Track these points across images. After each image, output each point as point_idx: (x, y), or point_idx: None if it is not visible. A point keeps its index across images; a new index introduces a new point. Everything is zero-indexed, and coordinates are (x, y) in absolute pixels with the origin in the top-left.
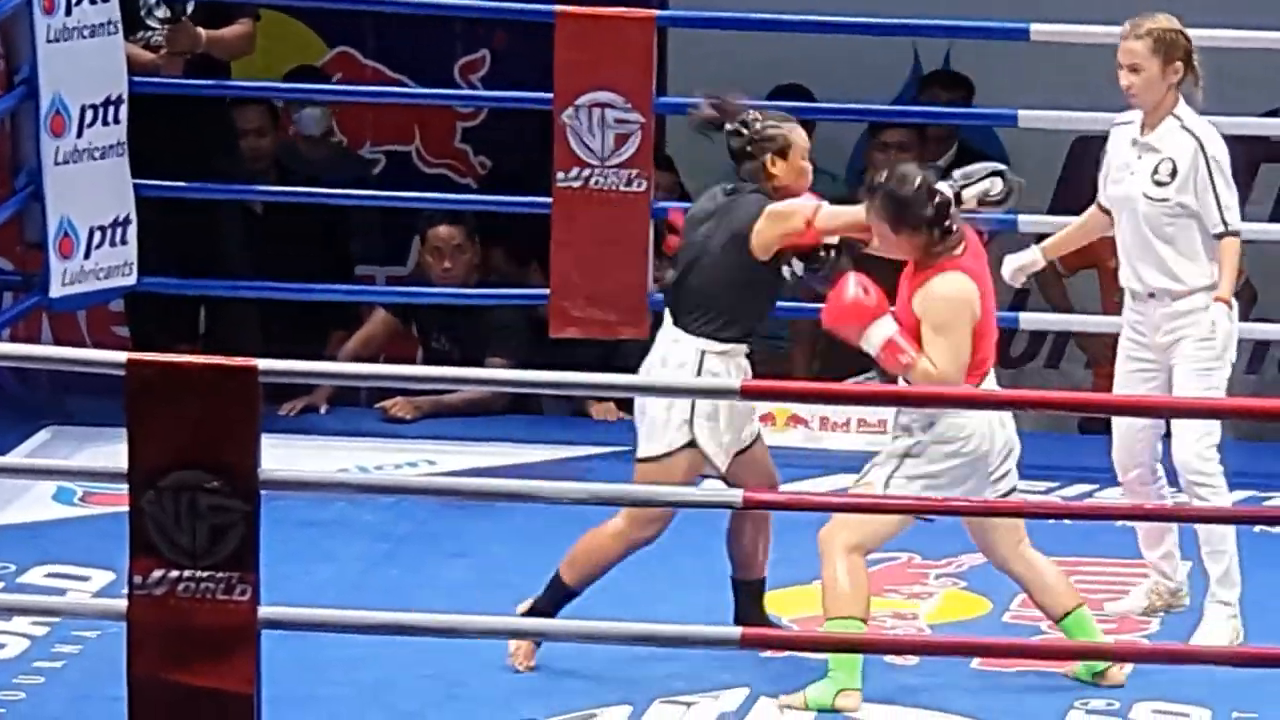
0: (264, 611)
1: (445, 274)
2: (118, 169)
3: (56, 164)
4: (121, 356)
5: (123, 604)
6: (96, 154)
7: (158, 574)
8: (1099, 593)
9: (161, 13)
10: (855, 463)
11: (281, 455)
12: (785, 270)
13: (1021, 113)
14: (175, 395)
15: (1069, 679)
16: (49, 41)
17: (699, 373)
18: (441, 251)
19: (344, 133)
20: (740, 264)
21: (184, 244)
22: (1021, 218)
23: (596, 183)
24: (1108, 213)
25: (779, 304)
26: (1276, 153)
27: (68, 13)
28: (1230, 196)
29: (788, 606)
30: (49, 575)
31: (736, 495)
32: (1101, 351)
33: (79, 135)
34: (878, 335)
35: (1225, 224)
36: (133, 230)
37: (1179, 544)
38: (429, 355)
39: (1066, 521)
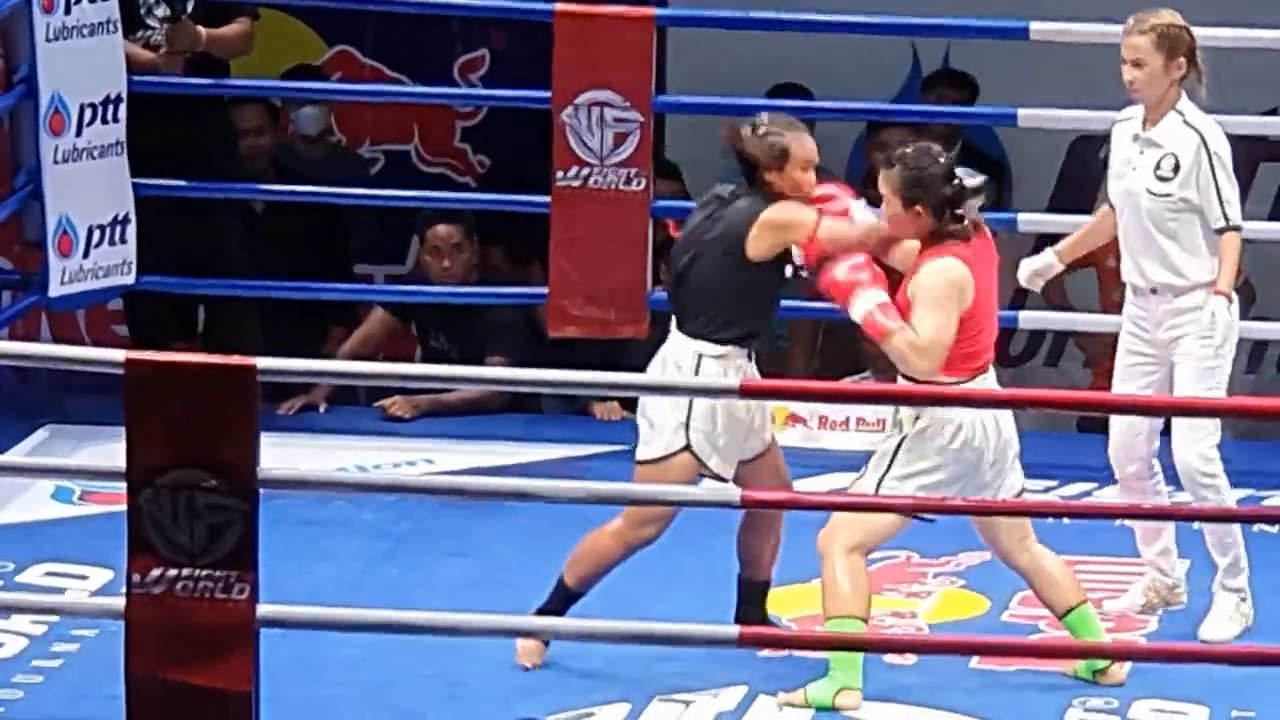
0: (262, 610)
1: (444, 273)
2: (117, 168)
3: (56, 163)
4: (120, 355)
5: (121, 603)
6: (95, 153)
7: (156, 573)
8: (1098, 591)
9: (161, 11)
10: (854, 462)
11: (280, 454)
12: (788, 268)
13: (1021, 112)
14: (174, 394)
15: (1069, 678)
16: (48, 40)
17: (696, 375)
18: (440, 250)
19: (343, 132)
20: (735, 266)
21: (183, 243)
22: (1021, 217)
23: (595, 182)
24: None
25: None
26: (1276, 152)
27: (67, 11)
28: (1232, 192)
29: (786, 605)
30: (47, 574)
31: (734, 494)
32: (1100, 350)
33: (78, 134)
34: (860, 305)
35: (1226, 219)
36: (131, 229)
37: (1176, 540)
38: (428, 354)
39: (1065, 520)
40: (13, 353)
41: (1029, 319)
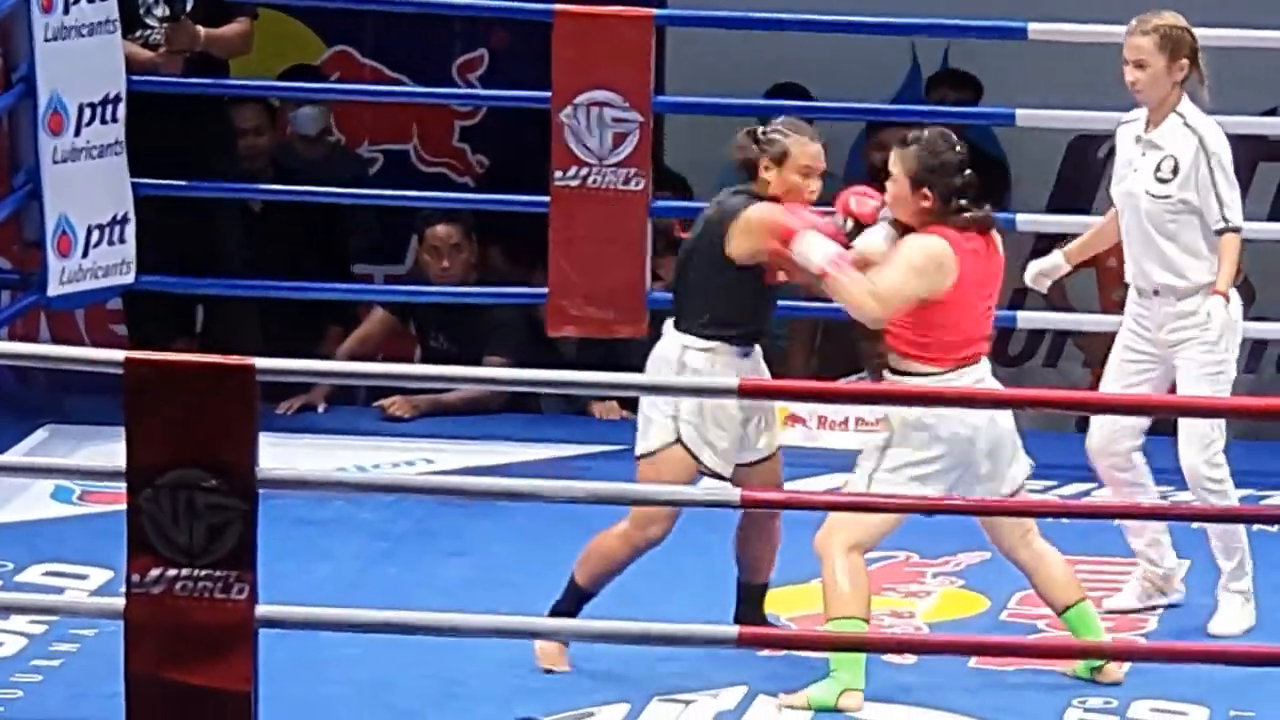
0: (261, 610)
1: (443, 273)
2: (116, 167)
3: (54, 162)
4: (119, 355)
5: (120, 602)
6: (94, 152)
7: (155, 572)
8: (1098, 590)
9: (160, 11)
10: (853, 461)
11: (279, 454)
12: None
13: (1020, 111)
14: (173, 394)
15: (1068, 677)
16: (47, 40)
17: (680, 368)
18: (439, 250)
19: (342, 131)
20: (721, 266)
21: (182, 243)
22: (1020, 217)
23: (594, 181)
24: None
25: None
26: (1275, 151)
27: (66, 11)
28: (1231, 193)
29: (785, 605)
30: (47, 574)
31: (734, 494)
32: (1100, 350)
33: (77, 134)
34: (804, 248)
35: (1226, 221)
36: (131, 229)
37: (1167, 529)
38: (427, 354)
39: (1064, 520)
40: (12, 353)
41: (1028, 319)
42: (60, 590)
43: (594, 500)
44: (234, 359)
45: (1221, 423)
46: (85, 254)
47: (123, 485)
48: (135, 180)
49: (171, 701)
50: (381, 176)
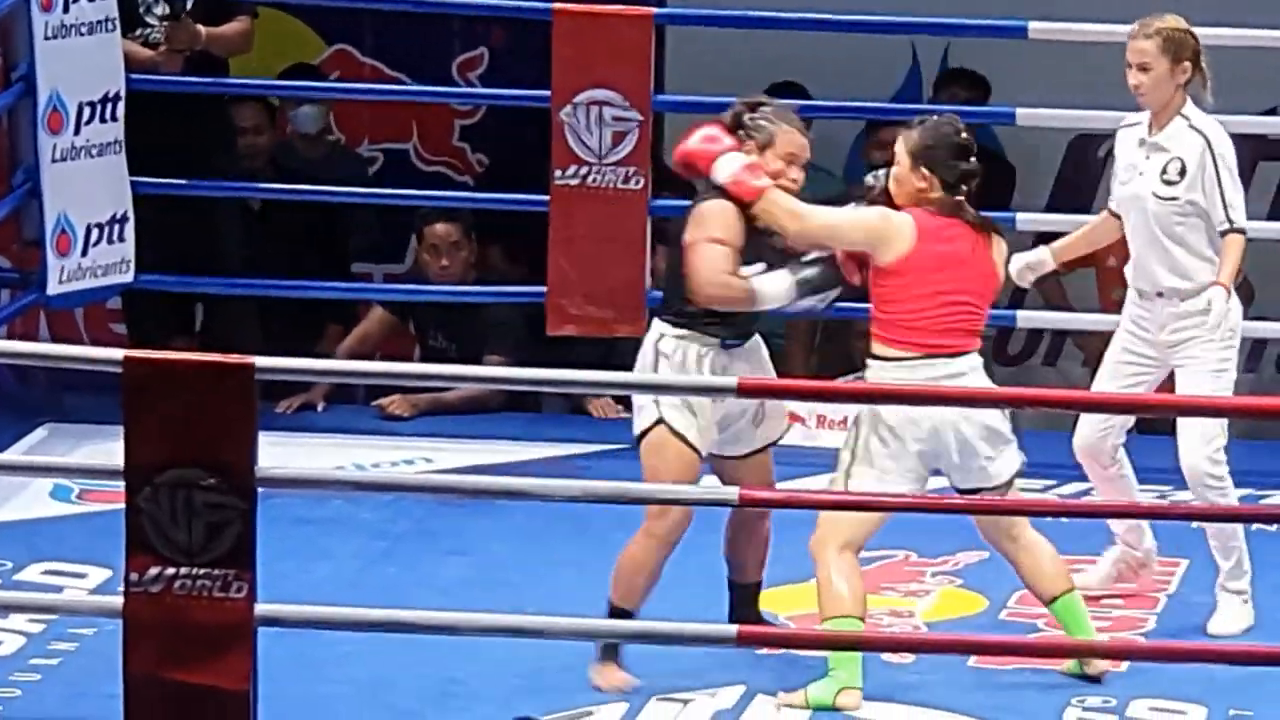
0: (260, 609)
1: (443, 271)
2: (115, 166)
3: (54, 161)
4: (119, 354)
5: (119, 601)
6: (94, 151)
7: (154, 571)
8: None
9: (160, 10)
10: None
11: (278, 453)
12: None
13: (1020, 110)
14: (172, 392)
15: (1064, 675)
16: (47, 38)
17: (654, 355)
18: (439, 249)
19: (342, 130)
20: (682, 256)
21: (181, 241)
22: (1019, 216)
23: (594, 180)
24: (1118, 217)
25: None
26: (1275, 151)
27: (65, 10)
28: (1236, 195)
29: (783, 604)
30: (46, 572)
31: (732, 493)
32: (1099, 350)
33: (76, 132)
34: (726, 168)
35: (1230, 221)
36: (130, 228)
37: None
38: (426, 353)
39: (1063, 520)
40: (11, 351)
41: (1027, 318)
42: (59, 589)
43: (593, 499)
44: (233, 358)
45: (1224, 420)
46: (85, 253)
47: (122, 484)
48: (135, 179)
49: (170, 700)
50: (381, 175)
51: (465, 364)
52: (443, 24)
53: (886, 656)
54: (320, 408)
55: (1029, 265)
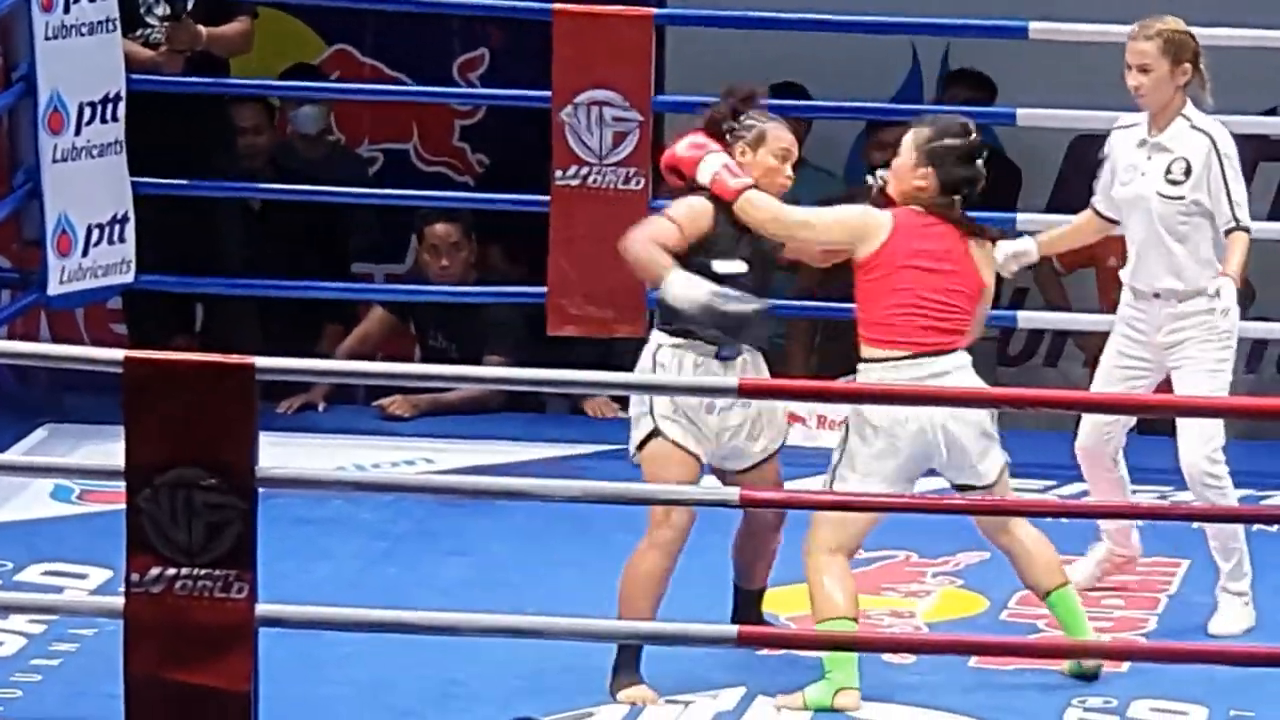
0: (261, 609)
1: (443, 272)
2: (116, 167)
3: (54, 161)
4: (119, 354)
5: (120, 602)
6: (95, 152)
7: (155, 572)
8: (1096, 590)
9: (161, 10)
10: None
11: (279, 453)
12: (719, 264)
13: (1020, 111)
14: (172, 393)
15: (1065, 675)
16: (47, 39)
17: (653, 364)
18: (439, 249)
19: (342, 131)
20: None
21: (182, 242)
22: (1020, 216)
23: (594, 181)
24: (1103, 217)
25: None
26: (1275, 151)
27: (66, 10)
28: (1241, 193)
29: (784, 605)
30: (46, 573)
31: (733, 493)
32: (1100, 350)
33: (77, 133)
34: (707, 168)
35: (1236, 220)
36: (130, 228)
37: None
38: (426, 353)
39: (1064, 520)
40: (12, 351)
41: (1028, 319)
42: (60, 589)
43: (593, 499)
44: (234, 358)
45: (1221, 420)
46: (85, 253)
47: (122, 484)
48: (135, 179)
49: (171, 701)
50: (381, 175)
51: (465, 364)
52: (443, 24)
53: (887, 657)
54: (321, 408)
55: (1014, 254)
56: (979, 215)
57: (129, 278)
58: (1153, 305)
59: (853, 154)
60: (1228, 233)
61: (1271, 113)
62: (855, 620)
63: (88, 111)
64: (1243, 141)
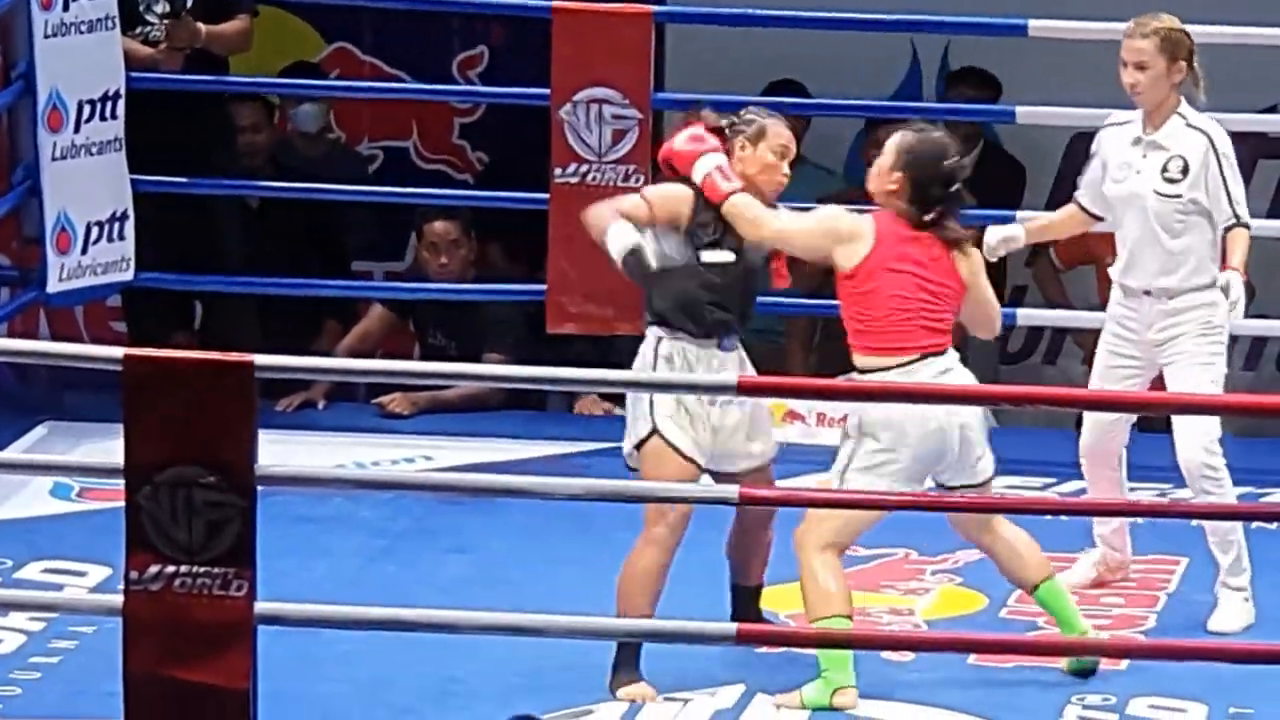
0: (260, 607)
1: (442, 269)
2: (115, 164)
3: (54, 159)
4: (118, 352)
5: (119, 599)
6: (94, 149)
7: (154, 569)
8: (1096, 588)
9: (160, 8)
10: None
11: (278, 451)
12: (704, 253)
13: (1020, 109)
14: (172, 391)
15: (1064, 673)
16: (46, 37)
17: (654, 357)
18: (438, 247)
19: (342, 128)
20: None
21: (181, 239)
22: (1020, 214)
23: (594, 178)
24: (1087, 212)
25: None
26: (1274, 149)
27: (65, 8)
28: (1240, 190)
29: (784, 603)
30: (46, 570)
31: (732, 491)
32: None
33: (76, 131)
34: (701, 168)
35: (1236, 217)
36: (130, 226)
37: (1174, 538)
38: (426, 351)
39: (1064, 518)
40: (11, 349)
41: (1027, 316)
42: (59, 587)
43: (593, 497)
44: (233, 356)
45: None
46: (85, 251)
47: (121, 482)
48: (134, 177)
49: (170, 699)
50: (381, 173)
51: (465, 362)
52: (443, 22)
53: (886, 654)
54: (320, 406)
55: (1004, 239)
56: (983, 213)
57: (128, 275)
58: (1144, 303)
59: (852, 152)
60: (1229, 229)
61: (1271, 110)
62: (850, 618)
63: (87, 109)
64: (1243, 139)
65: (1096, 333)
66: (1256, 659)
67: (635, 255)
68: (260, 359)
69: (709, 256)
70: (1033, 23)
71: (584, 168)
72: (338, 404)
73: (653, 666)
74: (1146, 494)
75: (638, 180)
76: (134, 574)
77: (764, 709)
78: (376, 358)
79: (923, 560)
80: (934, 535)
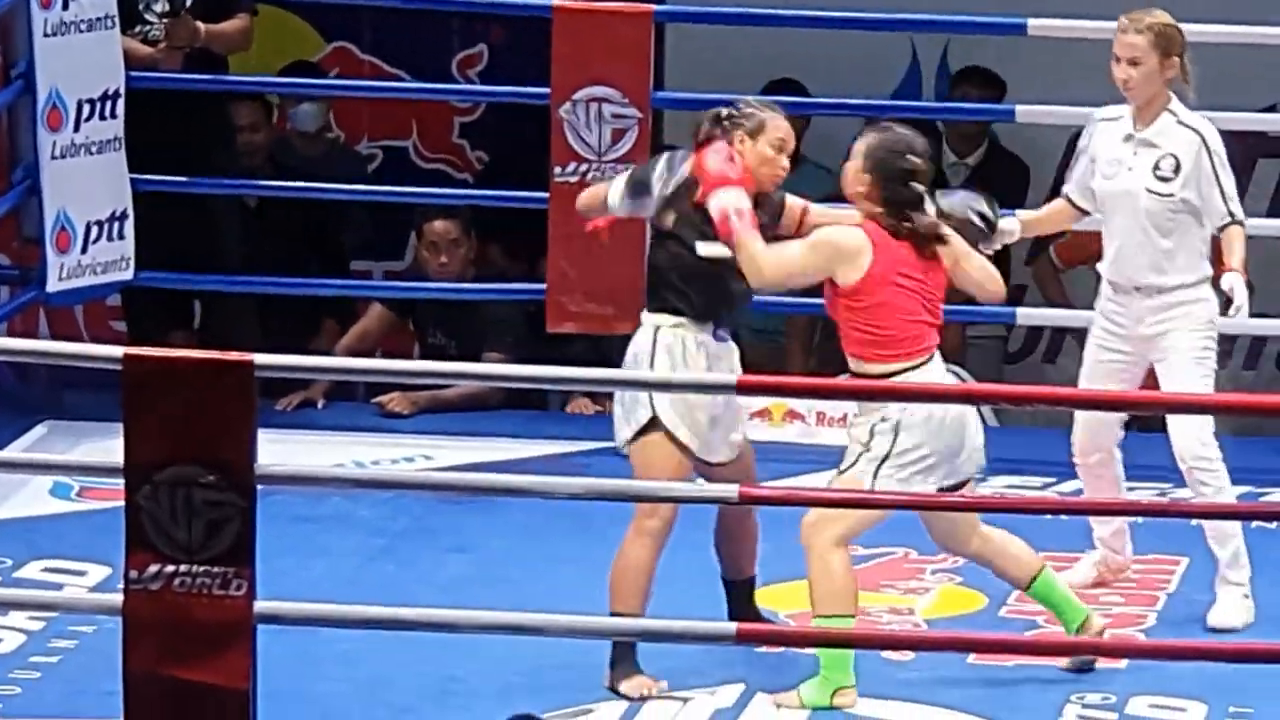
0: (260, 606)
1: (442, 269)
2: (115, 164)
3: (53, 159)
4: (118, 351)
5: (119, 599)
6: (93, 149)
7: (154, 569)
8: (1096, 589)
9: (160, 7)
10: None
11: (278, 450)
12: (700, 245)
13: (1019, 108)
14: (172, 390)
15: (1063, 670)
16: (46, 36)
17: (653, 346)
18: (438, 246)
19: (341, 128)
20: (656, 240)
21: (181, 239)
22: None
23: (594, 177)
24: (1076, 206)
25: (777, 301)
26: (1274, 148)
27: (65, 7)
28: (1232, 187)
29: (783, 601)
30: (45, 570)
31: (732, 490)
32: None
33: (76, 130)
34: (717, 201)
35: (1231, 215)
36: (130, 225)
37: (1172, 536)
38: (426, 350)
39: (1064, 517)
40: (11, 349)
41: (1027, 315)
42: (59, 586)
43: (592, 496)
44: (233, 355)
45: None
46: (84, 250)
47: (121, 481)
48: (134, 176)
49: (170, 698)
50: (380, 172)
51: (465, 361)
52: (442, 21)
53: (886, 654)
54: (320, 405)
55: (1001, 232)
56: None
57: (128, 275)
58: (1133, 299)
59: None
60: (1223, 228)
61: (1271, 109)
62: (854, 617)
63: (86, 108)
64: (1242, 138)
65: None
66: (1256, 658)
67: (636, 179)
68: (260, 358)
69: (705, 249)
70: (1032, 22)
71: (584, 167)
72: (337, 403)
73: (652, 664)
74: (1146, 494)
75: None
76: (134, 573)
77: (764, 708)
78: (376, 357)
79: (922, 559)
80: None
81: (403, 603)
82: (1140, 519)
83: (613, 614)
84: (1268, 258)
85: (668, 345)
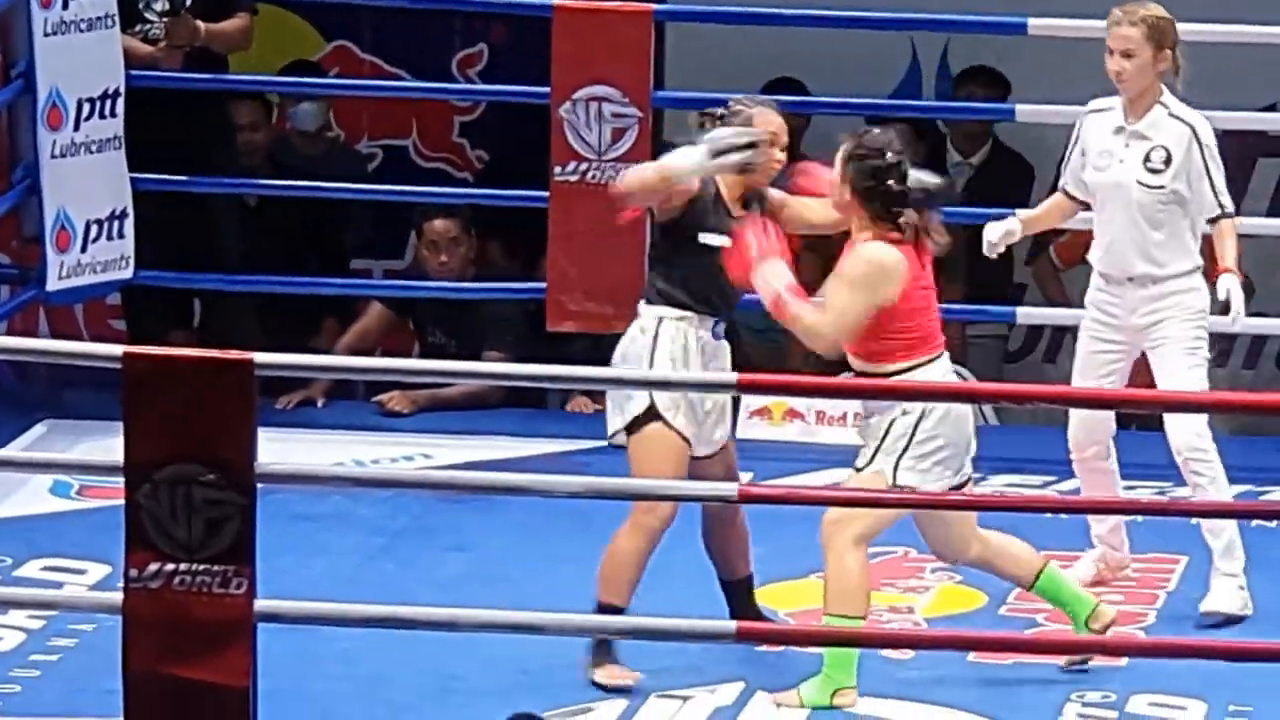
0: (260, 605)
1: (442, 268)
2: (114, 163)
3: (53, 157)
4: (118, 350)
5: (119, 597)
6: (93, 147)
7: (154, 567)
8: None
9: (160, 6)
10: (851, 456)
11: (278, 449)
12: (702, 235)
13: (1019, 107)
14: (172, 389)
15: (1064, 669)
16: (46, 35)
17: (654, 339)
18: (438, 245)
19: (341, 127)
20: (658, 233)
21: (180, 238)
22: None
23: (594, 177)
24: (1074, 199)
25: None
26: (1274, 147)
27: (65, 6)
28: (1222, 179)
29: (783, 601)
30: (45, 568)
31: (732, 489)
32: None
33: (76, 129)
34: (762, 280)
35: (1222, 207)
36: (129, 224)
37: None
38: (426, 349)
39: (1063, 516)
40: (11, 347)
41: (1027, 314)
42: (59, 585)
43: (592, 495)
44: (233, 354)
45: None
46: (84, 249)
47: (121, 480)
48: (134, 175)
49: (170, 696)
50: (381, 172)
51: (464, 360)
52: (443, 20)
53: (886, 652)
54: (320, 404)
55: (1004, 234)
56: (993, 211)
57: (128, 273)
58: (1126, 289)
59: None
60: (1215, 220)
61: (1271, 108)
62: (864, 619)
63: (86, 107)
64: (1243, 137)
65: None
66: (1255, 657)
67: (714, 142)
68: (260, 357)
69: (708, 239)
70: (1032, 20)
71: (584, 166)
72: (337, 402)
73: (653, 663)
74: (1145, 492)
75: None
76: (133, 572)
77: (763, 707)
78: (376, 356)
79: (922, 558)
80: None
81: (402, 601)
82: (1140, 518)
83: (599, 603)
84: (1267, 258)
85: (671, 337)
